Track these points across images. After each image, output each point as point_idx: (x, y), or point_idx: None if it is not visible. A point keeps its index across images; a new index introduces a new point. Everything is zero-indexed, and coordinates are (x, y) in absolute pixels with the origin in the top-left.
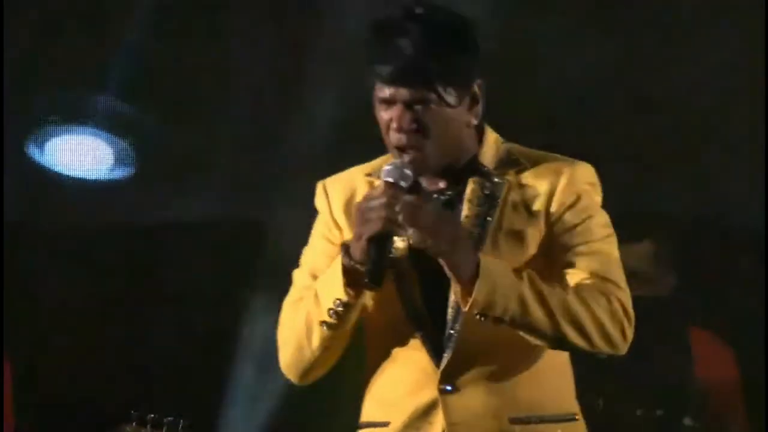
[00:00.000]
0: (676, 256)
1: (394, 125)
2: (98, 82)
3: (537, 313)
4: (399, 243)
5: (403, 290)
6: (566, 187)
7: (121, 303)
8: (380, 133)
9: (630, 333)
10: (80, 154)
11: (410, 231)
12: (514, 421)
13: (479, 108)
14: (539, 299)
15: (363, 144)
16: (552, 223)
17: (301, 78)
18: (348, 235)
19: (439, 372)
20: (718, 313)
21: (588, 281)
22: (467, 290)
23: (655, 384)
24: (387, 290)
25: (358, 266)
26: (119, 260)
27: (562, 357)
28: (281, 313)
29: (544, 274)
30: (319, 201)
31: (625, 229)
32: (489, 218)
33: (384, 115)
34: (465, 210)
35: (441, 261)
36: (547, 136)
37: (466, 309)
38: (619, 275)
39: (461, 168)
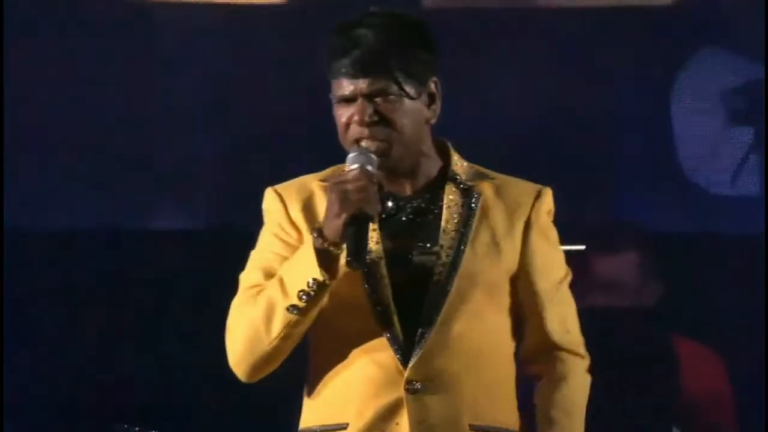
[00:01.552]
0: (660, 266)
1: (355, 119)
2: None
3: None
4: (372, 243)
5: (372, 287)
6: (540, 209)
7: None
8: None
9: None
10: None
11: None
12: (474, 428)
13: (437, 106)
14: None
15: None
16: (525, 244)
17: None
18: (308, 236)
19: (405, 372)
20: (710, 323)
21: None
22: None
23: (641, 394)
24: (353, 287)
25: (331, 248)
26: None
27: (514, 372)
28: (229, 315)
29: (519, 291)
30: (272, 204)
31: (606, 239)
32: (468, 227)
33: (342, 114)
34: (445, 216)
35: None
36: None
37: None
38: (575, 321)
39: (433, 177)
